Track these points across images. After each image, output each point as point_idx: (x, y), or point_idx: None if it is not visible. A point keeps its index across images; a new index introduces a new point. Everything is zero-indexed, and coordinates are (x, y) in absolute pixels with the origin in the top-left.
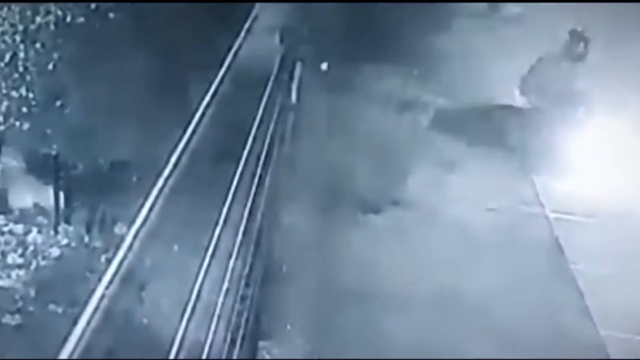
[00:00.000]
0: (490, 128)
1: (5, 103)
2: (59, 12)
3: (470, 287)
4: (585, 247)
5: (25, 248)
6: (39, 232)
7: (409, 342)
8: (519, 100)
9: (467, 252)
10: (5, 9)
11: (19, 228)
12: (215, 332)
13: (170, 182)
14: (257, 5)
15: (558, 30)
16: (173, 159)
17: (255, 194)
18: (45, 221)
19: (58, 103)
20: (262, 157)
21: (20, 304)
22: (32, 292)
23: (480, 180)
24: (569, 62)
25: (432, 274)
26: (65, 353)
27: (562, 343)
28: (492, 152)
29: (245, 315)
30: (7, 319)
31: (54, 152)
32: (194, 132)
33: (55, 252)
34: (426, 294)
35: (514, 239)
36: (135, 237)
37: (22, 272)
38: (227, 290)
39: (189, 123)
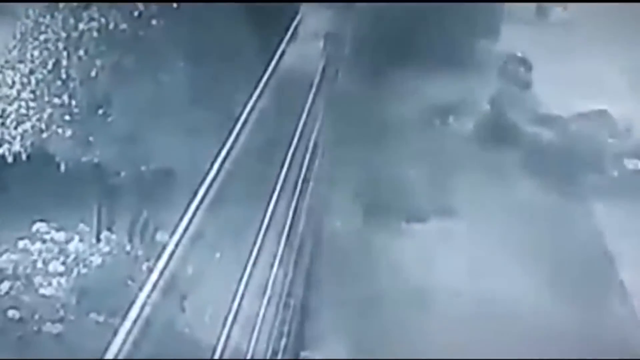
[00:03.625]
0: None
1: (48, 110)
2: (102, 19)
3: (515, 297)
4: None
5: (67, 256)
6: (81, 240)
7: (454, 355)
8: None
9: (513, 262)
10: (48, 16)
11: (61, 236)
12: (257, 342)
13: (213, 189)
14: (301, 10)
15: (607, 36)
16: (215, 166)
17: (297, 201)
18: (87, 229)
19: (100, 110)
20: (305, 164)
21: (61, 312)
22: (73, 301)
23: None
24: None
25: (478, 285)
26: None
27: None
28: (539, 161)
29: (287, 324)
30: (48, 327)
31: (96, 160)
32: (236, 139)
33: (96, 260)
34: (472, 305)
35: (562, 248)
36: (177, 245)
37: (63, 280)
38: (269, 298)
39: (232, 130)
